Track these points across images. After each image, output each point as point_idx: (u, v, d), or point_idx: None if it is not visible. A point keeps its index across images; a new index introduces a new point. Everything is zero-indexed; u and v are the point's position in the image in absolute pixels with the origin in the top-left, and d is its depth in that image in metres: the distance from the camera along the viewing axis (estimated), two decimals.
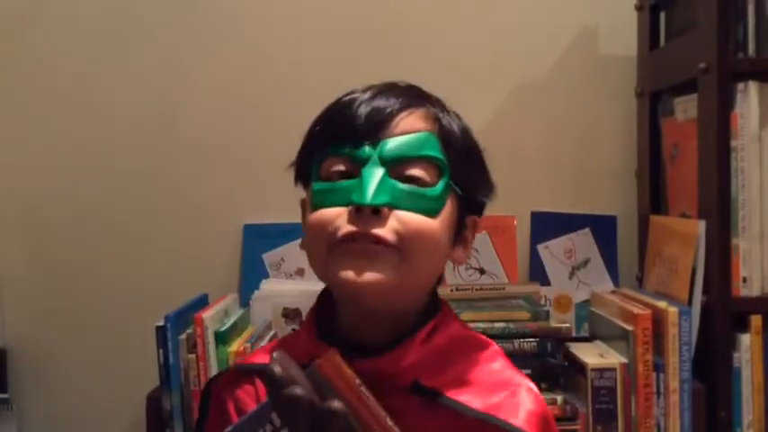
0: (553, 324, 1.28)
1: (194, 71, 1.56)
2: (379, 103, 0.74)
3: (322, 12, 1.55)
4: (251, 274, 1.52)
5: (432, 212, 0.71)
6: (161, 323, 1.18)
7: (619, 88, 1.55)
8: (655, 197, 1.47)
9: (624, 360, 1.19)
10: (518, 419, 0.70)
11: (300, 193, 0.81)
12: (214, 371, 1.16)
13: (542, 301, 1.44)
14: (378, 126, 0.72)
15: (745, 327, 1.20)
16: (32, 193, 1.56)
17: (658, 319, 1.19)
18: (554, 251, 1.56)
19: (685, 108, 1.33)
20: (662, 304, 1.20)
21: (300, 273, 1.52)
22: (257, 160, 1.55)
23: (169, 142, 1.56)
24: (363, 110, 0.73)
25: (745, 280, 1.21)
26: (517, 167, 1.56)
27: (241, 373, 0.79)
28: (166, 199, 1.56)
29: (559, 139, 1.57)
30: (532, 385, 0.75)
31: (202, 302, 1.32)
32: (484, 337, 0.80)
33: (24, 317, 1.55)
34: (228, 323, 1.23)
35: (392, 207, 0.70)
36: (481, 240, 1.54)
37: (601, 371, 1.18)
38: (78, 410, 1.54)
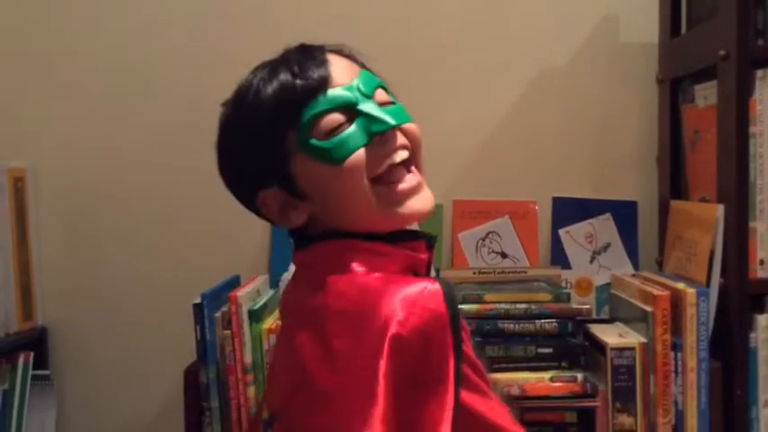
0: (574, 305, 1.32)
1: (221, 60, 1.59)
2: (309, 48, 0.83)
3: (329, 16, 1.57)
4: (279, 258, 1.57)
5: (411, 118, 0.84)
6: (198, 301, 1.23)
7: (640, 75, 1.57)
8: (675, 183, 1.49)
9: (643, 340, 1.23)
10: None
11: None
12: (249, 347, 1.22)
13: (563, 285, 1.48)
14: (324, 77, 0.80)
15: (761, 308, 1.23)
16: (70, 174, 1.62)
17: (677, 301, 1.22)
18: (575, 236, 1.59)
19: (705, 95, 1.36)
20: (680, 286, 1.23)
21: None
22: None
23: (204, 129, 1.59)
24: (306, 72, 0.80)
25: (762, 262, 1.23)
26: (539, 154, 1.59)
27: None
28: (201, 185, 1.60)
29: (581, 126, 1.60)
30: None
31: (235, 283, 1.37)
32: None
33: (64, 296, 1.62)
34: (261, 302, 1.28)
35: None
36: (503, 225, 1.58)
37: (620, 350, 1.22)
38: (117, 386, 1.61)
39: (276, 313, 1.32)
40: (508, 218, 1.58)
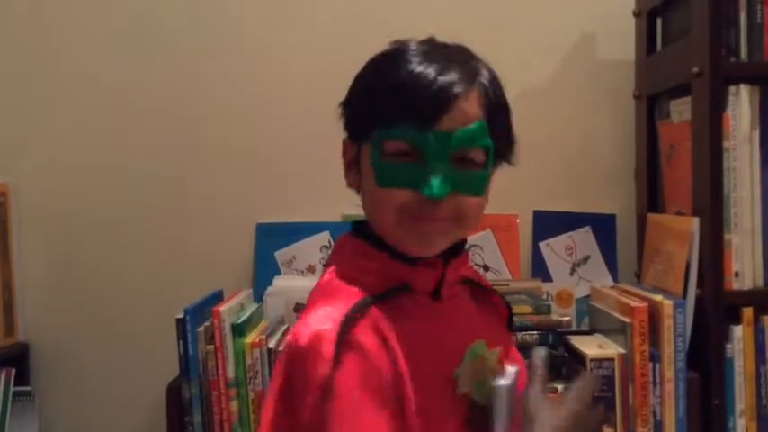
0: (554, 317, 1.34)
1: (209, 74, 1.62)
2: (442, 83, 0.80)
3: (333, 18, 1.61)
4: (264, 272, 1.58)
5: (481, 192, 0.84)
6: (180, 316, 1.23)
7: (617, 92, 1.60)
8: (652, 196, 1.52)
9: (622, 351, 1.24)
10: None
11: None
12: (231, 361, 1.22)
13: (544, 297, 1.50)
14: (441, 112, 0.80)
15: (737, 319, 1.25)
16: (53, 190, 1.62)
17: (654, 312, 1.24)
18: (555, 248, 1.61)
19: (680, 110, 1.39)
20: (658, 297, 1.25)
21: (311, 270, 1.59)
22: (269, 163, 1.62)
23: (185, 146, 1.62)
24: (428, 93, 0.79)
25: (737, 274, 1.26)
26: (520, 168, 1.57)
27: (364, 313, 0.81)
28: (183, 199, 1.62)
29: (561, 142, 1.63)
30: None
31: (218, 298, 1.38)
32: None
33: (46, 311, 1.61)
34: (244, 316, 1.28)
35: (452, 193, 0.81)
36: (485, 238, 1.60)
37: (600, 361, 1.23)
38: (99, 401, 1.60)
39: (260, 327, 1.33)
40: (490, 231, 1.60)
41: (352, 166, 0.88)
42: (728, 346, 1.25)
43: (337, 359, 0.75)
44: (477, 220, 0.86)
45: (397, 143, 0.81)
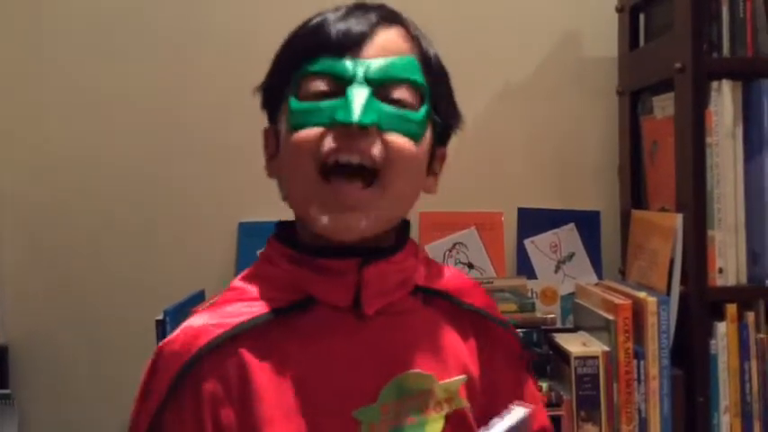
0: (538, 315, 1.33)
1: (190, 72, 1.60)
2: (356, 16, 0.73)
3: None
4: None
5: (416, 137, 0.73)
6: (160, 317, 1.22)
7: (601, 88, 1.60)
8: (636, 193, 1.52)
9: (606, 348, 1.24)
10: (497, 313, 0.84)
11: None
12: None
13: (529, 294, 1.49)
14: (358, 39, 0.72)
15: (721, 315, 1.25)
16: (32, 191, 1.59)
17: (638, 309, 1.23)
18: (540, 246, 1.61)
19: (663, 106, 1.38)
20: (642, 295, 1.25)
21: None
22: (252, 161, 1.59)
23: (166, 142, 1.60)
24: (341, 25, 0.72)
25: (720, 270, 1.26)
26: (504, 166, 1.61)
27: (215, 350, 0.71)
28: (164, 198, 1.60)
29: (545, 138, 1.62)
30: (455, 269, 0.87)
31: (199, 298, 1.36)
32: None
33: (25, 313, 1.58)
34: None
35: (378, 128, 0.70)
36: (469, 236, 1.59)
37: (584, 359, 1.23)
38: (80, 404, 1.58)
39: None
40: (474, 229, 1.59)
41: (274, 155, 0.79)
42: (712, 342, 1.25)
43: (171, 392, 0.70)
44: (409, 181, 0.73)
45: (316, 80, 0.72)
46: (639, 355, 1.23)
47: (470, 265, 1.58)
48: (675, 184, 1.31)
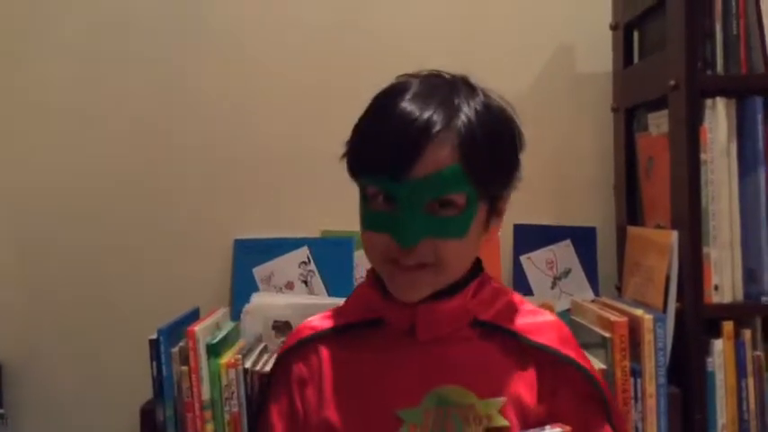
0: None
1: (186, 88, 1.60)
2: (413, 129, 0.81)
3: (314, 30, 1.60)
4: (241, 289, 1.55)
5: (460, 234, 0.85)
6: (154, 336, 1.21)
7: (596, 104, 1.60)
8: (632, 209, 1.52)
9: (603, 366, 1.23)
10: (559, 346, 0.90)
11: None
12: (207, 383, 1.20)
13: None
14: (409, 162, 0.81)
15: (717, 332, 1.25)
16: (25, 209, 1.59)
17: (635, 327, 1.23)
18: (536, 262, 1.60)
19: (658, 123, 1.39)
20: (638, 312, 1.24)
21: (290, 286, 1.56)
22: (248, 177, 1.60)
23: (161, 160, 1.60)
24: (398, 143, 0.81)
25: (716, 287, 1.25)
26: None
27: (306, 344, 0.95)
28: (158, 215, 1.60)
29: (540, 155, 1.60)
30: (554, 316, 0.97)
31: (194, 316, 1.35)
32: (508, 288, 0.99)
33: (19, 331, 1.58)
34: (220, 336, 1.26)
35: (428, 237, 0.83)
36: None
37: None
38: (73, 423, 1.57)
39: (236, 347, 1.30)
40: None
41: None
42: (709, 360, 1.24)
43: (275, 366, 0.97)
44: (459, 262, 0.87)
45: (375, 190, 0.85)
46: (636, 372, 1.22)
47: None
48: (671, 200, 1.30)
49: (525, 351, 0.89)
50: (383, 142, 0.83)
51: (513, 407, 0.85)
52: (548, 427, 0.77)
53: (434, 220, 0.83)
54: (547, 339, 0.90)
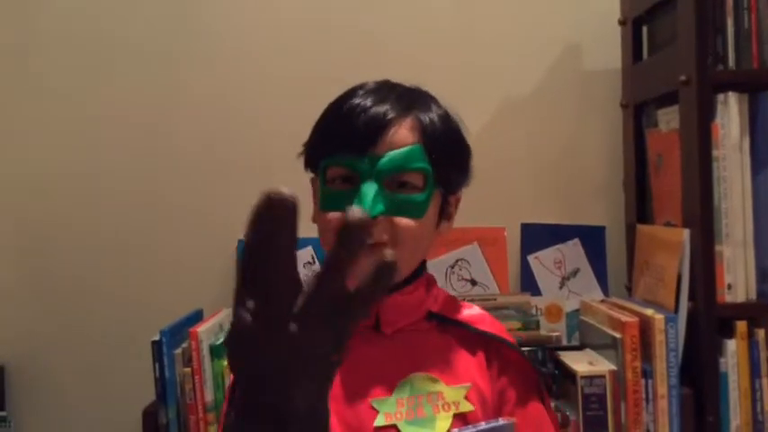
0: (543, 333, 1.30)
1: (186, 88, 1.58)
2: (373, 113, 0.86)
3: (308, 30, 1.58)
4: None
5: (418, 215, 0.87)
6: (156, 338, 1.19)
7: (604, 101, 1.58)
8: (641, 207, 1.49)
9: (613, 367, 1.21)
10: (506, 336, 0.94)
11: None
12: (210, 385, 1.18)
13: (533, 311, 1.46)
14: (371, 141, 0.86)
15: (730, 332, 1.22)
16: (28, 209, 1.58)
17: (645, 327, 1.21)
18: (544, 262, 1.58)
19: (668, 119, 1.36)
20: (649, 312, 1.22)
21: None
22: (250, 177, 1.58)
23: (163, 160, 1.59)
24: (360, 121, 0.86)
25: (729, 286, 1.23)
26: (507, 180, 1.59)
27: None
28: (161, 216, 1.58)
29: (548, 152, 1.60)
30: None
31: (197, 317, 1.34)
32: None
33: (22, 334, 1.56)
34: (223, 337, 1.24)
35: (385, 215, 0.85)
36: (472, 252, 1.56)
37: (590, 378, 1.20)
38: (75, 426, 1.55)
39: None
40: (477, 245, 1.56)
41: (316, 202, 0.94)
42: (722, 360, 1.22)
43: None
44: (414, 244, 0.88)
45: (337, 169, 0.87)
46: (647, 373, 1.20)
47: (473, 282, 1.55)
48: (682, 198, 1.28)
49: (472, 340, 0.93)
50: (347, 121, 0.86)
51: (475, 392, 0.89)
52: (501, 419, 0.83)
53: (393, 198, 0.85)
54: (489, 328, 0.95)
